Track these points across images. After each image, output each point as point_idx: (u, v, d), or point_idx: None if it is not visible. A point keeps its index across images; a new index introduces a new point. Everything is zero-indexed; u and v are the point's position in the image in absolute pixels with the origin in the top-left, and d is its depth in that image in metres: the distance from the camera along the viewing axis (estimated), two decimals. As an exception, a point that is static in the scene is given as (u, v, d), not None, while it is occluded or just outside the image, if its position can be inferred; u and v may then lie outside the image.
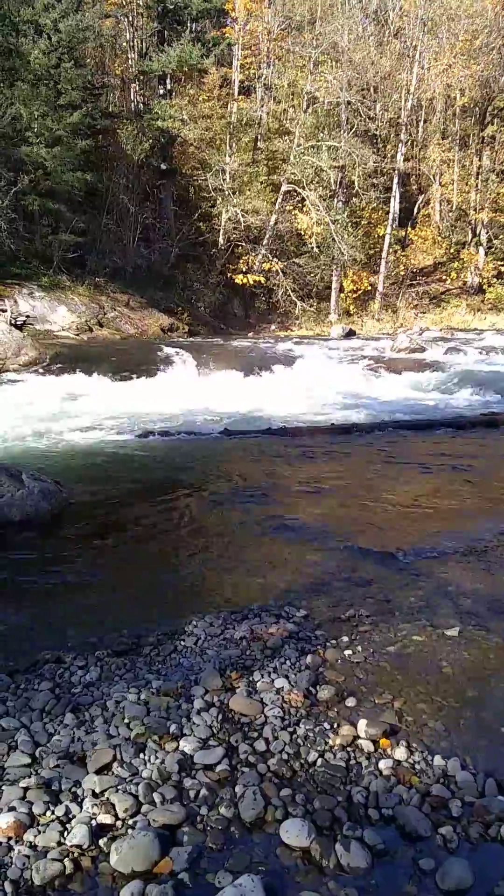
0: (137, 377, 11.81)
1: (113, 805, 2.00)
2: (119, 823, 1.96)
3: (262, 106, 28.96)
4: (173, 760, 2.16)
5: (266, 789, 2.06)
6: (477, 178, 33.05)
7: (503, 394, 11.77)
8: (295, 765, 2.18)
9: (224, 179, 25.70)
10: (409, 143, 32.05)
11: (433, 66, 30.49)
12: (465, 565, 3.92)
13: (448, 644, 2.94)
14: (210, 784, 2.09)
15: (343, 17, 28.21)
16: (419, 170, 33.68)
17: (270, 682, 2.58)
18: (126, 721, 2.35)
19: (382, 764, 2.16)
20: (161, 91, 26.41)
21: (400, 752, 2.21)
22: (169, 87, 26.55)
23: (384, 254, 30.12)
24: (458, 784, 2.09)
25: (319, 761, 2.19)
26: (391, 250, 30.56)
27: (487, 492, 5.79)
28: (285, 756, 2.21)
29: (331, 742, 2.27)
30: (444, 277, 33.67)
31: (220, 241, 26.63)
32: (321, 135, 27.31)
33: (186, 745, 2.23)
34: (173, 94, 26.81)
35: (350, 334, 24.76)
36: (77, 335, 17.20)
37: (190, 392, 11.18)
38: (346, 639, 2.95)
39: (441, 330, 27.01)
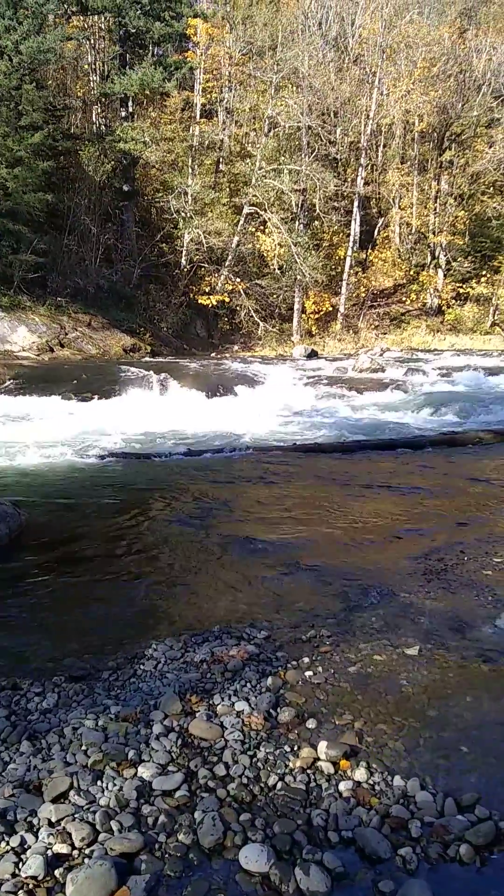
0: (99, 398, 11.76)
1: (69, 834, 1.96)
2: (76, 853, 1.92)
3: (224, 129, 29.25)
4: (131, 787, 2.13)
5: (226, 814, 2.04)
6: (435, 202, 33.70)
7: (462, 414, 11.93)
8: (255, 789, 2.16)
9: (186, 201, 25.85)
10: (369, 167, 32.58)
11: (392, 92, 31.09)
12: (425, 584, 3.94)
13: (408, 663, 2.95)
14: (169, 810, 2.06)
15: (303, 44, 28.68)
16: (379, 193, 34.22)
17: (231, 706, 2.56)
18: (83, 748, 2.32)
19: (342, 786, 2.16)
20: (123, 113, 26.53)
21: (360, 774, 2.20)
22: (131, 109, 26.70)
23: (345, 275, 30.49)
24: (418, 804, 2.09)
25: (279, 785, 2.17)
26: (352, 272, 30.95)
27: (447, 511, 5.85)
28: (245, 780, 2.19)
29: (291, 765, 2.26)
30: (404, 299, 34.16)
31: (183, 262, 26.73)
32: (282, 158, 27.63)
33: (145, 771, 2.20)
34: (135, 116, 26.96)
35: (312, 355, 24.94)
36: (38, 355, 17.08)
37: (152, 413, 11.15)
38: (307, 660, 2.95)
39: (402, 350, 27.35)
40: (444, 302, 33.93)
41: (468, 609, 3.58)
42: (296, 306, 29.04)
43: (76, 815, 2.03)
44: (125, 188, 26.05)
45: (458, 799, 2.10)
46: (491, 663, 2.99)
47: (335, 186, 28.69)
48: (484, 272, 34.48)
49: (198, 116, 28.90)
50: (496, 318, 33.95)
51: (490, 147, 33.49)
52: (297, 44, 28.72)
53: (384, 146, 34.87)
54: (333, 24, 32.22)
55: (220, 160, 29.42)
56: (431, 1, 34.05)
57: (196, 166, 27.47)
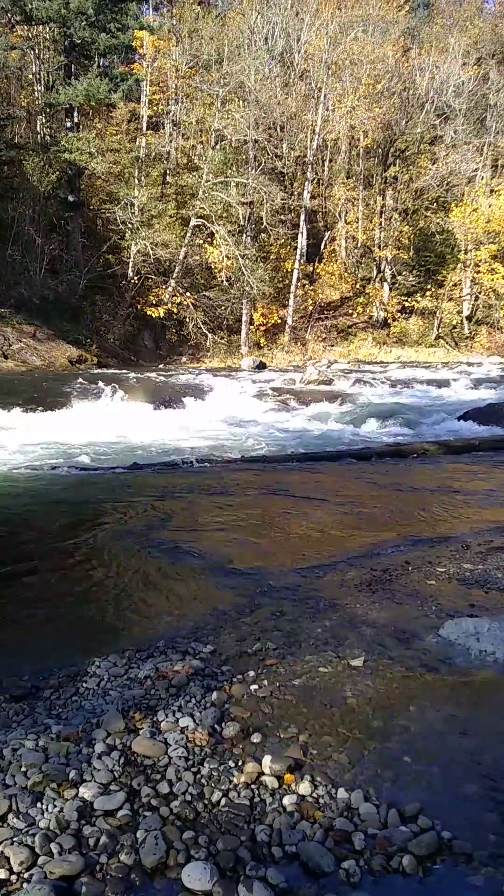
0: (43, 410, 11.60)
1: (7, 859, 1.91)
2: (14, 878, 1.87)
3: (171, 141, 29.30)
4: (72, 808, 2.09)
5: (168, 833, 2.01)
6: (380, 217, 34.25)
7: (408, 425, 12.11)
8: (198, 806, 2.14)
9: (133, 213, 25.78)
10: (315, 182, 32.95)
11: (337, 108, 31.55)
12: (370, 595, 3.97)
13: (353, 675, 2.96)
14: (110, 830, 2.03)
15: (249, 58, 28.92)
16: (325, 207, 34.64)
17: (175, 722, 2.54)
18: (23, 769, 2.26)
19: (286, 800, 2.15)
20: (68, 124, 26.39)
21: (304, 787, 2.20)
22: (76, 120, 26.57)
23: (293, 288, 30.73)
24: (362, 816, 2.09)
25: (223, 801, 2.16)
26: (299, 284, 31.21)
27: (392, 522, 5.91)
28: (189, 797, 2.17)
29: (235, 780, 2.24)
30: (350, 311, 34.58)
31: (130, 273, 26.62)
32: (229, 171, 27.78)
33: (86, 792, 2.16)
34: (81, 127, 26.82)
35: (261, 366, 25.06)
36: (-19, 367, 16.81)
37: (98, 425, 11.04)
38: (252, 673, 2.94)
39: (349, 362, 27.68)
40: (389, 315, 34.45)
41: (412, 619, 3.62)
42: (244, 318, 29.16)
43: (15, 839, 1.98)
44: (70, 199, 25.89)
45: (401, 810, 2.11)
46: (434, 673, 3.02)
47: (282, 200, 28.97)
48: (428, 286, 35.14)
49: (144, 128, 28.89)
50: (440, 331, 34.60)
51: (433, 164, 34.21)
52: (244, 58, 28.96)
53: (330, 161, 35.34)
54: (279, 39, 32.57)
55: (167, 172, 29.45)
56: (375, 19, 34.66)
57: (143, 178, 27.44)
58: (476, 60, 38.25)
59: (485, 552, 4.81)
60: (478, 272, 34.85)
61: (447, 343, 34.62)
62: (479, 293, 35.39)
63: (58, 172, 24.93)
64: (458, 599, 3.92)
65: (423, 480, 7.74)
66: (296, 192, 31.87)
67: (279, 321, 30.83)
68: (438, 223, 34.92)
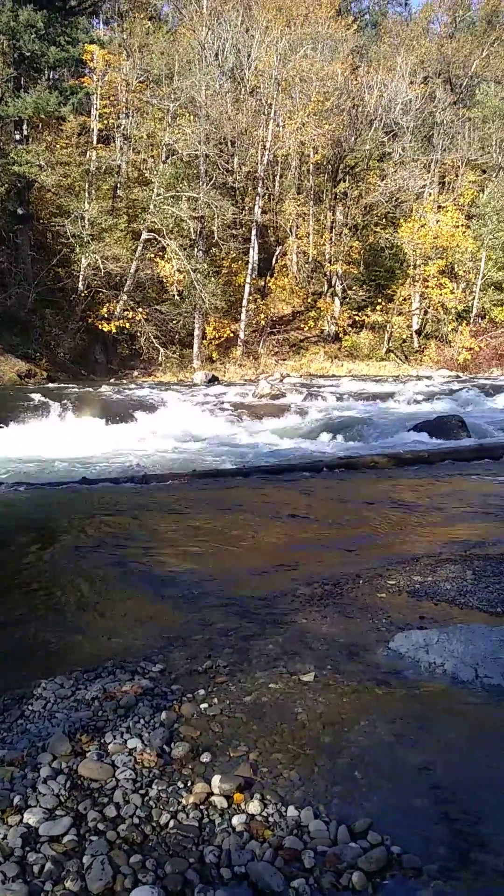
0: (-8, 425, 11.43)
1: None
2: (-45, 911, 1.82)
3: (122, 155, 29.25)
4: (16, 835, 2.04)
5: (115, 857, 1.98)
6: (331, 232, 34.65)
7: (359, 437, 12.21)
8: (146, 829, 2.10)
9: (83, 226, 25.64)
10: (266, 197, 33.22)
11: (287, 124, 31.89)
12: (321, 609, 3.97)
13: (304, 690, 2.95)
14: (56, 857, 1.98)
15: (200, 74, 29.08)
16: (276, 222, 34.92)
17: (123, 743, 2.50)
18: (-34, 796, 2.20)
19: (236, 820, 2.13)
20: (17, 136, 26.14)
21: (254, 806, 2.18)
22: (26, 132, 26.35)
23: (245, 302, 30.87)
24: (311, 834, 2.08)
25: (172, 823, 2.12)
26: (251, 299, 31.37)
27: (343, 535, 5.94)
28: (136, 820, 2.13)
29: (184, 801, 2.21)
30: (302, 325, 34.86)
31: (80, 287, 26.44)
32: (181, 185, 27.84)
33: (31, 817, 2.11)
34: (30, 139, 26.61)
35: (213, 380, 25.08)
36: None
37: (49, 439, 10.91)
38: (202, 692, 2.91)
39: (301, 376, 27.88)
40: (341, 329, 34.81)
41: (363, 633, 3.63)
42: (196, 332, 29.17)
43: (-44, 870, 1.92)
44: (20, 211, 25.64)
45: (351, 826, 2.11)
46: (384, 686, 3.02)
47: (233, 214, 29.14)
48: (378, 301, 35.63)
49: (95, 141, 28.82)
50: (390, 344, 35.07)
51: (382, 180, 34.77)
52: (194, 73, 29.11)
53: (281, 176, 35.67)
54: (230, 55, 32.83)
55: (118, 185, 29.39)
56: (325, 37, 35.18)
57: (93, 191, 27.34)
58: (423, 79, 39.09)
59: (434, 564, 4.86)
60: (426, 287, 35.46)
61: (397, 357, 35.11)
62: (428, 308, 36.00)
63: (6, 185, 24.69)
64: (407, 612, 3.95)
65: (374, 493, 7.80)
66: (247, 207, 32.07)
67: (232, 335, 30.91)
68: (388, 239, 35.46)
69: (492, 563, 4.80)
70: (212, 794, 2.24)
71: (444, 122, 37.87)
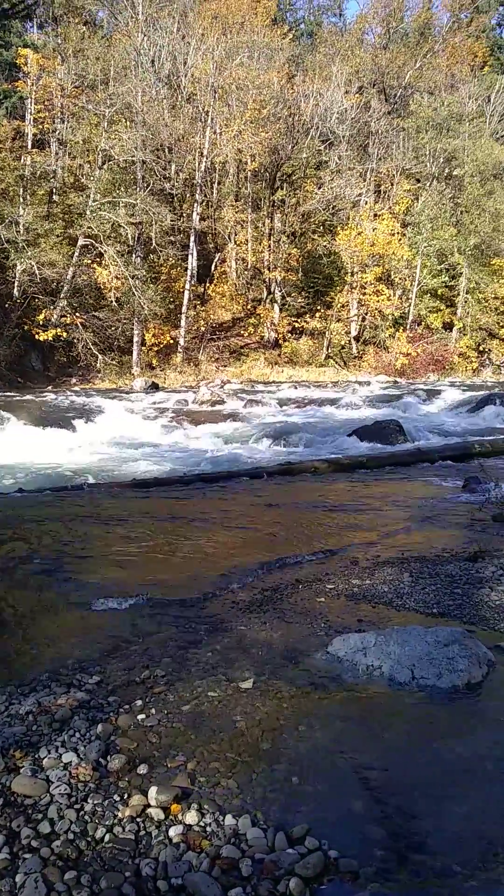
0: None
1: None
2: None
3: (57, 160, 28.91)
4: None
5: (49, 874, 1.93)
6: (269, 239, 34.86)
7: (299, 443, 12.29)
8: (81, 844, 2.06)
9: (18, 231, 25.23)
10: (204, 203, 33.25)
11: (225, 132, 32.00)
12: (260, 615, 3.97)
13: (242, 697, 2.94)
14: (-13, 878, 1.93)
15: (136, 80, 28.96)
16: (215, 229, 34.98)
17: (58, 758, 2.45)
18: None
19: (172, 831, 2.10)
20: (-51, 140, 25.62)
21: (191, 817, 2.16)
22: (-42, 136, 25.84)
23: (184, 308, 30.82)
24: (249, 842, 2.07)
25: (108, 837, 2.09)
26: (191, 305, 31.33)
27: (284, 540, 5.96)
28: (71, 836, 2.09)
29: (120, 815, 2.18)
30: (242, 332, 34.98)
31: (15, 293, 26.00)
32: (118, 191, 27.64)
33: (-38, 839, 2.05)
34: (-37, 143, 26.11)
35: (153, 387, 24.96)
36: None
37: (-17, 450, 10.69)
38: (139, 702, 2.87)
39: (241, 382, 27.96)
40: (280, 335, 35.02)
41: (302, 637, 3.64)
42: (135, 339, 28.98)
43: None
44: (-48, 216, 25.11)
45: (289, 832, 2.10)
46: (322, 691, 3.04)
47: (171, 221, 29.06)
48: (317, 307, 35.99)
49: (29, 146, 28.42)
50: (330, 351, 35.44)
51: (319, 188, 35.15)
52: (130, 79, 28.98)
53: (219, 183, 35.74)
54: (166, 62, 32.79)
55: (54, 191, 29.01)
56: (261, 46, 35.42)
57: (28, 196, 26.93)
58: (358, 89, 39.69)
59: (372, 567, 4.91)
60: (364, 294, 35.95)
61: (336, 363, 35.49)
62: (366, 314, 36.48)
63: None
64: (346, 615, 3.98)
65: (314, 498, 7.86)
66: (185, 214, 32.04)
67: (171, 342, 30.81)
68: (325, 246, 35.86)
69: (428, 565, 4.88)
70: (148, 805, 2.21)
71: (379, 131, 38.50)
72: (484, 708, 2.95)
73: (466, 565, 4.84)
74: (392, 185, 39.20)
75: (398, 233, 36.51)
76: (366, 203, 37.68)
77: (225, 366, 31.96)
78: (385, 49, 43.63)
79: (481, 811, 2.26)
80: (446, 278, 38.35)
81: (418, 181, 39.67)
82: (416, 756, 2.59)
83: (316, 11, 56.07)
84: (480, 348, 38.85)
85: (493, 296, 38.61)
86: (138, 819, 2.17)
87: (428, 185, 38.40)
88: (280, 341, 35.09)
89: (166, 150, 31.27)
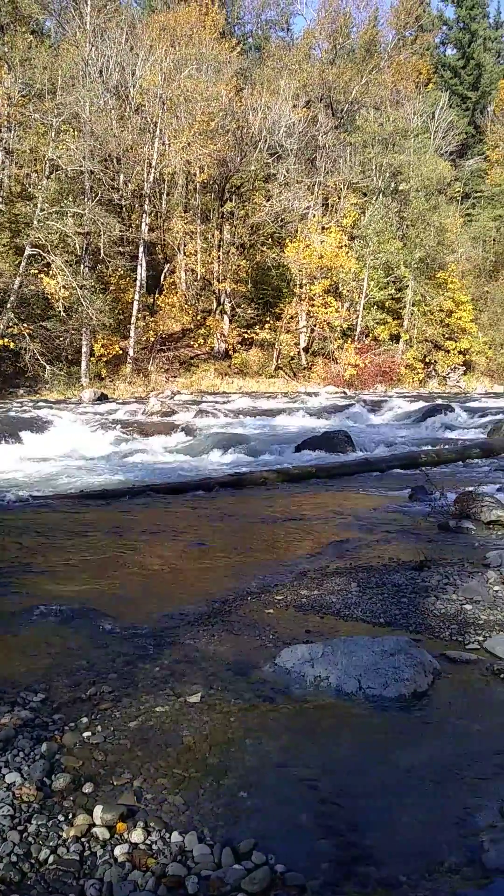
0: None
1: None
2: None
3: (3, 169, 28.55)
4: None
5: (-9, 901, 1.89)
6: (219, 251, 34.93)
7: (249, 454, 12.31)
8: (24, 866, 2.03)
9: (-36, 240, 24.82)
10: (153, 214, 33.15)
11: (173, 143, 31.98)
12: (209, 628, 3.96)
13: (190, 712, 2.93)
14: None
15: (84, 90, 28.80)
16: (164, 240, 34.88)
17: (0, 778, 2.40)
18: None
19: (118, 850, 2.08)
20: None
21: (136, 835, 2.14)
22: None
23: (133, 319, 30.64)
24: (195, 859, 2.06)
25: (52, 858, 2.05)
26: (140, 316, 31.16)
27: (232, 552, 5.96)
28: (14, 858, 2.05)
29: (64, 835, 2.14)
30: (192, 343, 34.92)
31: (-39, 303, 25.56)
32: (66, 201, 27.39)
33: None
34: None
35: (102, 398, 24.75)
36: None
37: None
38: (85, 720, 2.84)
39: (192, 393, 27.91)
40: (230, 346, 35.06)
41: (250, 650, 3.64)
42: (84, 349, 28.70)
43: None
44: None
45: (236, 847, 2.10)
46: (270, 703, 3.04)
47: (120, 231, 28.90)
48: (267, 319, 36.15)
49: (-25, 155, 28.00)
50: (279, 362, 35.62)
51: (267, 200, 35.37)
52: (78, 89, 28.80)
53: (168, 194, 35.70)
54: (114, 72, 32.67)
55: (0, 200, 28.64)
56: (209, 58, 35.57)
57: (-27, 205, 26.53)
58: (305, 103, 40.09)
59: (320, 577, 4.94)
60: (312, 306, 36.23)
61: (286, 374, 35.68)
62: (315, 326, 36.76)
63: None
64: (294, 626, 4.00)
65: (263, 509, 7.88)
66: (134, 224, 31.90)
67: (121, 352, 30.57)
68: (274, 258, 36.07)
69: (375, 575, 4.93)
70: (93, 825, 2.18)
71: (327, 145, 38.95)
72: (429, 716, 2.99)
73: (413, 574, 4.91)
74: (339, 198, 39.63)
75: (345, 246, 36.92)
76: (314, 216, 38.03)
77: (175, 377, 31.85)
78: (332, 64, 44.11)
79: (426, 820, 2.29)
80: (393, 291, 38.91)
81: (365, 195, 40.20)
82: (363, 767, 2.61)
83: (264, 26, 56.49)
84: (426, 360, 39.47)
85: (437, 308, 39.29)
86: (83, 839, 2.14)
87: (374, 199, 38.93)
88: (230, 352, 35.14)
89: (115, 161, 31.10)
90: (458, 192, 47.51)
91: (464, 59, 56.84)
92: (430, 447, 12.18)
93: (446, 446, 12.29)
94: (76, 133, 28.49)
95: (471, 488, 7.55)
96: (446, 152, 44.12)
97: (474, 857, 2.11)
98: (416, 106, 41.94)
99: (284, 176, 36.09)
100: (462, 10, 56.95)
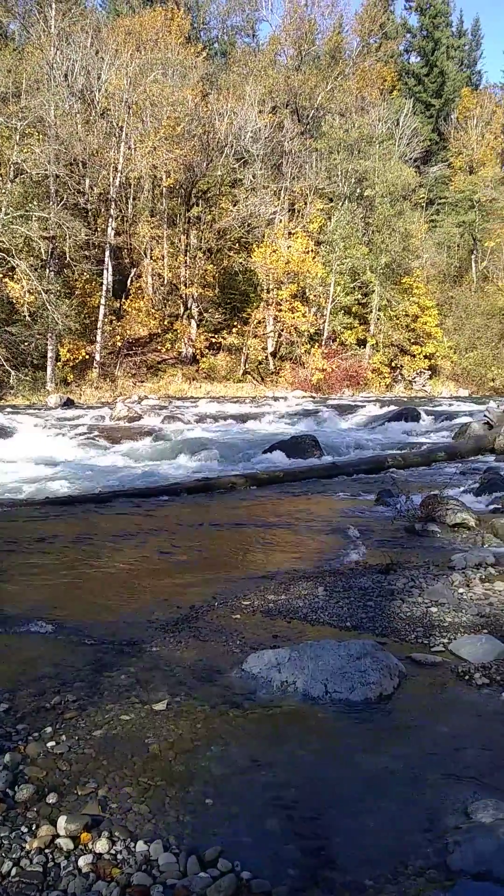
0: None
1: None
2: None
3: (-33, 173, 28.29)
4: None
5: (-48, 916, 1.86)
6: (185, 255, 34.89)
7: (218, 459, 12.29)
8: (-13, 881, 2.00)
9: None
10: (119, 219, 33.04)
11: (139, 148, 31.92)
12: (176, 634, 3.94)
13: (156, 719, 2.91)
14: None
15: (49, 93, 28.63)
16: (130, 244, 34.77)
17: (-38, 791, 2.36)
18: None
19: (82, 861, 2.06)
20: None
21: (101, 845, 2.11)
22: None
23: (100, 324, 30.50)
24: (161, 868, 2.04)
25: (14, 871, 2.02)
26: (107, 320, 31.02)
27: (200, 557, 5.94)
28: (-24, 873, 2.02)
29: (28, 847, 2.11)
30: (159, 347, 34.83)
31: None
32: (30, 205, 27.19)
33: None
34: None
35: (68, 403, 24.59)
36: None
37: None
38: (49, 729, 2.80)
39: (159, 398, 27.82)
40: (198, 351, 35.04)
41: (217, 655, 3.63)
42: (49, 354, 28.49)
43: None
44: None
45: (201, 855, 2.08)
46: (237, 709, 3.03)
47: (86, 235, 28.75)
48: (234, 323, 36.20)
49: None
50: (247, 366, 35.66)
51: (234, 205, 35.44)
52: (43, 93, 28.62)
53: (134, 199, 35.61)
54: (79, 76, 32.52)
55: (-36, 203, 28.34)
56: (174, 63, 35.56)
57: None
58: (271, 109, 40.28)
59: (288, 582, 4.94)
60: (280, 311, 36.36)
61: (254, 378, 35.75)
62: (282, 330, 36.89)
63: None
64: (261, 632, 3.99)
65: (231, 514, 7.87)
66: (100, 229, 31.77)
67: (87, 357, 30.40)
68: (241, 263, 36.14)
69: (342, 579, 4.95)
70: (57, 836, 2.16)
71: (293, 151, 39.16)
72: (395, 720, 3.00)
73: (379, 578, 4.93)
74: (305, 203, 39.86)
75: (312, 251, 37.15)
76: (280, 221, 38.21)
77: (142, 381, 31.76)
78: (297, 70, 44.39)
79: (392, 824, 2.29)
80: (359, 296, 39.24)
81: (331, 200, 40.50)
82: (329, 772, 2.61)
83: (229, 31, 56.68)
84: (392, 364, 39.84)
85: (403, 313, 39.70)
86: (47, 850, 2.11)
87: (340, 204, 39.24)
88: (198, 357, 35.11)
89: (80, 165, 30.97)
90: (423, 198, 48.12)
91: (427, 66, 57.55)
92: (396, 451, 12.27)
93: (412, 450, 12.39)
94: (41, 137, 28.31)
95: (436, 491, 7.62)
96: (411, 159, 44.61)
97: (439, 860, 2.12)
98: (380, 112, 42.36)
99: (251, 181, 36.19)
100: (425, 18, 57.65)
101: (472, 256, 48.69)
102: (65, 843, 2.12)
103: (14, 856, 2.08)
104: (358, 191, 40.21)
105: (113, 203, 31.57)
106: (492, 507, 7.74)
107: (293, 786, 2.49)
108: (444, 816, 2.32)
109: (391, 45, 56.76)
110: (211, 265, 35.28)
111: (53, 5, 30.94)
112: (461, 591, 4.61)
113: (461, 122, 53.03)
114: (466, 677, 3.38)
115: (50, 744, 2.69)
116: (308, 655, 3.34)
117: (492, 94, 57.87)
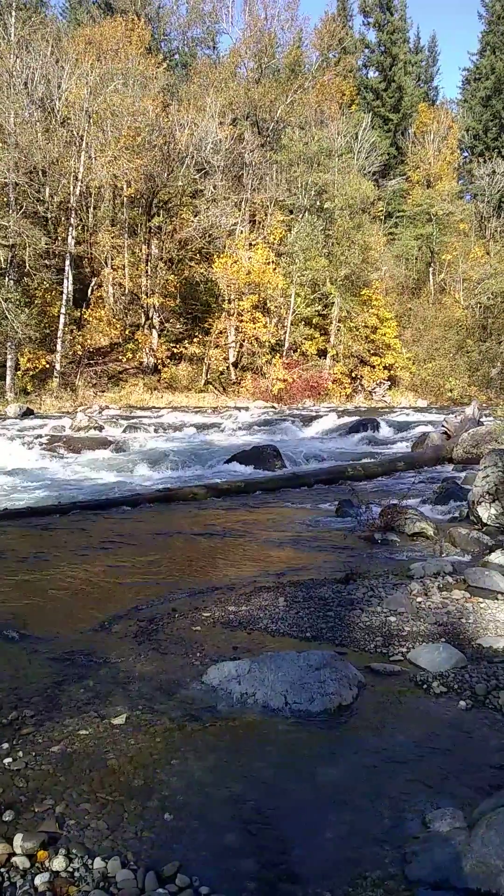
0: None
1: None
2: None
3: None
4: None
5: None
6: (147, 265, 34.83)
7: (179, 469, 12.27)
8: None
9: None
10: (79, 228, 32.87)
11: (99, 157, 31.82)
12: (136, 647, 3.91)
13: (115, 734, 2.89)
14: None
15: (8, 101, 28.43)
16: (91, 253, 34.61)
17: None
18: None
19: (38, 879, 2.03)
20: None
21: (58, 863, 2.09)
22: None
23: (60, 333, 30.26)
24: (119, 884, 2.02)
25: (-31, 892, 2.00)
26: (67, 330, 30.80)
27: (160, 569, 5.91)
28: None
29: (-17, 867, 2.08)
30: (120, 357, 34.68)
31: None
32: (-11, 213, 26.95)
33: None
34: None
35: (28, 413, 24.32)
36: None
37: None
38: (6, 745, 2.77)
39: (120, 408, 27.67)
40: (159, 361, 34.97)
41: (177, 668, 3.61)
42: (8, 363, 28.19)
43: None
44: None
45: (160, 871, 2.07)
46: (196, 722, 3.02)
47: (46, 244, 28.56)
48: (196, 333, 36.19)
49: None
50: (209, 376, 35.66)
51: (195, 216, 35.50)
52: (2, 101, 28.42)
53: (95, 208, 35.48)
54: (39, 84, 32.33)
55: None
56: (135, 73, 35.56)
57: None
58: (232, 120, 40.46)
59: (249, 593, 4.94)
60: (241, 321, 36.45)
61: (216, 388, 35.75)
62: (243, 341, 36.98)
63: None
64: (222, 643, 3.98)
65: (192, 525, 7.85)
66: (60, 237, 31.57)
67: (47, 366, 30.14)
68: (202, 273, 36.18)
69: (302, 589, 4.96)
70: (13, 854, 2.13)
71: (253, 163, 39.37)
72: (353, 730, 3.02)
73: (339, 588, 4.96)
74: (266, 215, 40.09)
75: (273, 262, 37.34)
76: (241, 232, 38.36)
77: (103, 391, 31.55)
78: (257, 83, 44.67)
79: (350, 835, 2.30)
80: (319, 307, 39.51)
81: (291, 212, 40.77)
82: (288, 784, 2.61)
83: (190, 43, 56.87)
84: (353, 374, 40.16)
85: (363, 324, 40.09)
86: (2, 869, 2.08)
87: (300, 216, 39.53)
88: (159, 367, 35.03)
89: (40, 173, 30.77)
90: (382, 211, 48.73)
91: (385, 81, 58.33)
92: (356, 461, 12.37)
93: (372, 460, 12.49)
94: (0, 145, 28.09)
95: (395, 501, 7.69)
96: (369, 172, 45.14)
97: (398, 870, 2.13)
98: (339, 126, 42.82)
99: (212, 192, 36.29)
100: (383, 34, 58.46)
101: (430, 269, 49.40)
102: (21, 862, 2.10)
103: (-32, 876, 2.05)
104: (318, 203, 40.54)
105: (73, 212, 31.41)
106: (449, 516, 7.84)
107: (252, 799, 2.49)
108: (403, 826, 2.34)
109: (350, 60, 57.44)
110: (172, 275, 35.26)
111: (13, 13, 30.75)
112: (420, 600, 4.65)
113: (418, 136, 53.83)
114: (424, 686, 3.41)
115: (6, 760, 2.65)
116: (268, 667, 3.35)
117: (448, 109, 58.91)
